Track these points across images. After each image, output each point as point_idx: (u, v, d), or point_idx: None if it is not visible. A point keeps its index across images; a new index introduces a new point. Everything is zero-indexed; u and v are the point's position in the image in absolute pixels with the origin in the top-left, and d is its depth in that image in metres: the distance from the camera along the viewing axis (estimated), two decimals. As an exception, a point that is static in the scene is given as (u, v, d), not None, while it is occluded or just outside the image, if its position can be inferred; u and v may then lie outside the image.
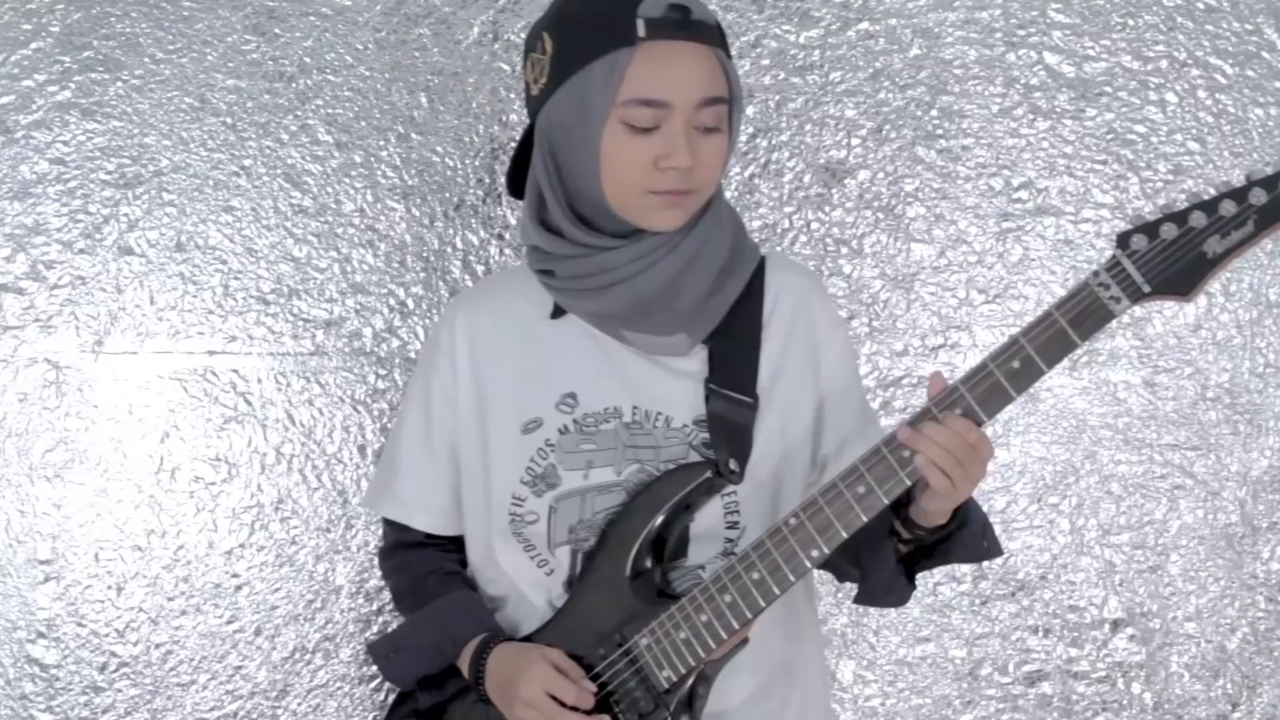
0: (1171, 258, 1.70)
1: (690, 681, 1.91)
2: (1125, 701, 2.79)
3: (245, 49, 2.68)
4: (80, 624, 2.67)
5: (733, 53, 2.68)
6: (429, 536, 2.14)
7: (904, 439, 1.79)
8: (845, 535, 1.83)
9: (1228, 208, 1.69)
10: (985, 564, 2.75)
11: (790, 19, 2.73)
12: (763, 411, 1.97)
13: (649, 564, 1.94)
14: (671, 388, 1.98)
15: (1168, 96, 2.75)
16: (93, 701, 2.68)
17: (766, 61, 2.73)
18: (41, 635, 2.67)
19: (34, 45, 2.66)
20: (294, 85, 2.69)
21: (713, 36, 1.91)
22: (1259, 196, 1.68)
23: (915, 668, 2.78)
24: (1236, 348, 2.77)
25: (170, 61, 2.67)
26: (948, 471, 1.79)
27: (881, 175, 2.75)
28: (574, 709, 1.89)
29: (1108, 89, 2.75)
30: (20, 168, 2.66)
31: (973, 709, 2.78)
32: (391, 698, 2.28)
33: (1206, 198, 1.71)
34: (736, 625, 1.88)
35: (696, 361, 1.98)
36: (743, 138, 2.72)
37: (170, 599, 2.69)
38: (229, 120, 2.68)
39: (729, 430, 1.95)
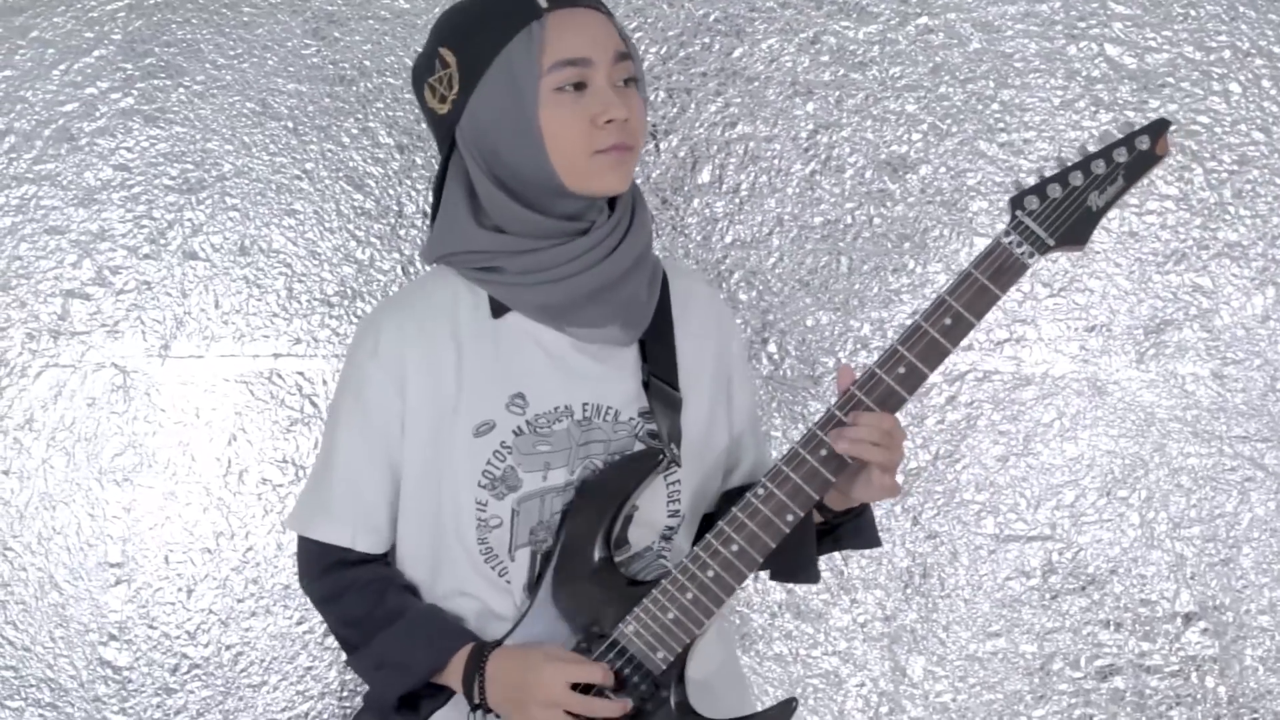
0: (1064, 213, 1.91)
1: (683, 659, 1.95)
2: (1199, 695, 2.77)
3: (305, 53, 2.69)
4: (151, 626, 2.68)
5: (790, 49, 2.69)
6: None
7: (842, 450, 1.91)
8: (817, 497, 1.92)
9: (1099, 166, 1.91)
10: (1054, 558, 2.74)
11: (849, 15, 2.72)
12: (687, 404, 2.04)
13: (609, 555, 1.96)
14: (615, 382, 2.01)
15: (1231, 87, 2.74)
16: (165, 703, 2.69)
17: (825, 58, 2.72)
18: (113, 638, 2.68)
19: (96, 53, 2.67)
20: (355, 89, 2.70)
21: (599, 3, 2.00)
22: (1122, 155, 1.91)
23: (986, 663, 2.76)
24: (1306, 338, 2.76)
25: (231, 67, 2.69)
26: (884, 465, 1.92)
27: (944, 170, 2.74)
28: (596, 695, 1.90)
29: (1170, 80, 2.74)
30: (85, 174, 2.67)
31: (1045, 704, 2.76)
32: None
33: (1075, 160, 1.92)
34: (724, 597, 1.93)
35: (631, 355, 2.03)
36: (803, 134, 2.72)
37: (240, 600, 2.69)
38: (290, 124, 2.69)
39: (668, 418, 2.00)
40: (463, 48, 1.96)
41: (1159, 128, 1.92)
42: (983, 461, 2.75)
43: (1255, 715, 2.77)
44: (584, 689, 1.90)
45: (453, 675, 1.96)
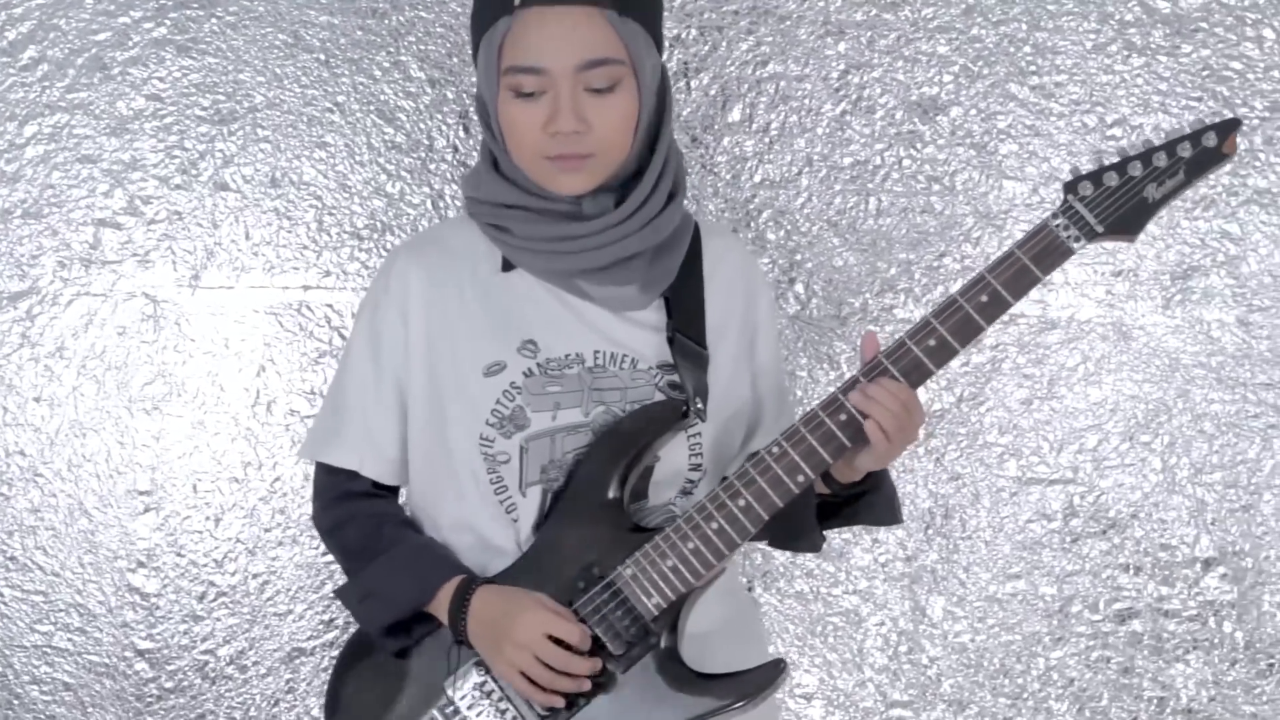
0: (1117, 202, 1.88)
1: (677, 608, 1.95)
2: (1216, 640, 2.78)
3: (338, -15, 2.70)
4: (179, 554, 2.71)
5: (824, -11, 2.68)
6: (375, 485, 2.06)
7: (855, 403, 1.89)
8: (831, 461, 1.91)
9: (1160, 159, 1.87)
10: (1076, 501, 2.75)
11: (883, -45, 2.72)
12: (712, 360, 2.03)
13: (620, 500, 1.96)
14: (633, 334, 2.01)
15: (1265, 32, 2.72)
16: (192, 630, 2.72)
17: (858, -2, 2.72)
18: (141, 564, 2.71)
19: (130, -18, 2.68)
20: (386, 22, 2.70)
21: None
22: (1186, 150, 1.87)
23: (1005, 604, 2.78)
24: (1332, 286, 2.75)
25: (264, -2, 2.69)
26: (889, 432, 1.88)
27: (974, 112, 2.73)
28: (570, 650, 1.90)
29: (1204, 25, 2.73)
30: (117, 104, 2.68)
31: (1063, 645, 2.78)
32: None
33: (1137, 151, 1.88)
34: (726, 551, 1.92)
35: (653, 312, 2.02)
36: (834, 74, 2.72)
37: (267, 530, 2.72)
38: (322, 57, 2.70)
39: (693, 374, 1.99)
40: (471, 16, 1.97)
41: (1229, 127, 1.88)
42: (1006, 404, 2.76)
43: (1272, 661, 2.79)
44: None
45: (440, 608, 1.97)
